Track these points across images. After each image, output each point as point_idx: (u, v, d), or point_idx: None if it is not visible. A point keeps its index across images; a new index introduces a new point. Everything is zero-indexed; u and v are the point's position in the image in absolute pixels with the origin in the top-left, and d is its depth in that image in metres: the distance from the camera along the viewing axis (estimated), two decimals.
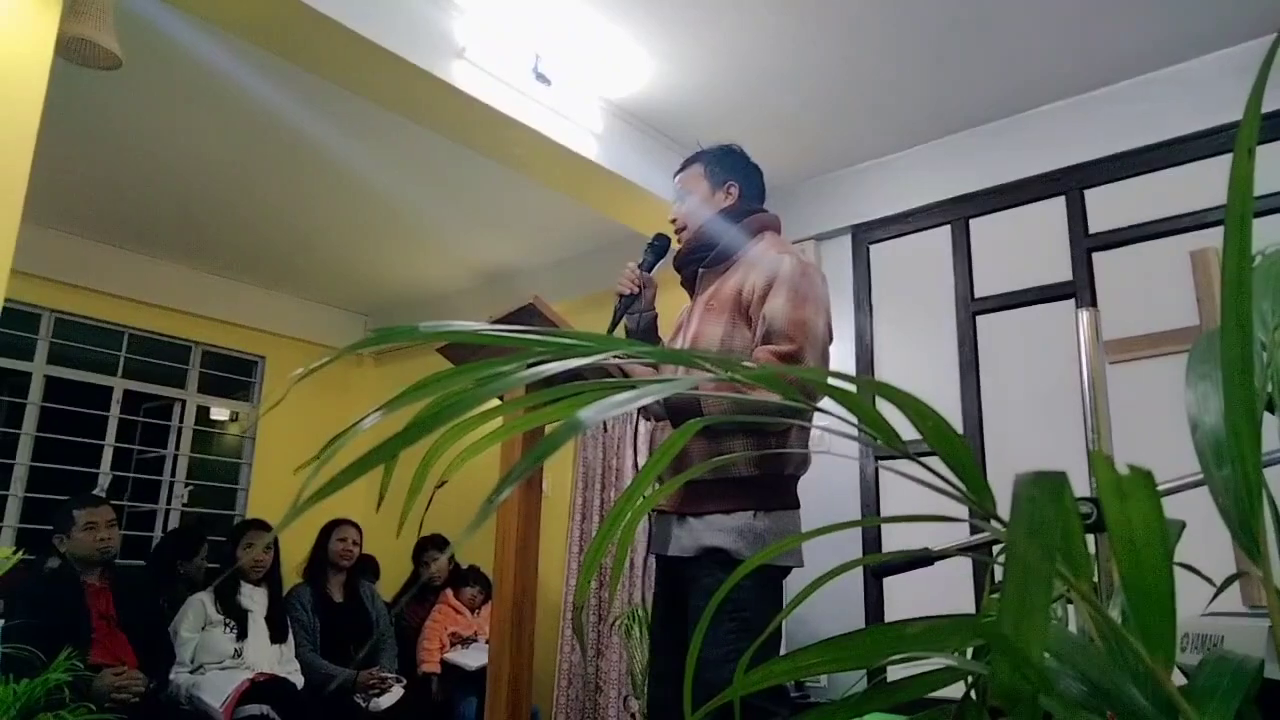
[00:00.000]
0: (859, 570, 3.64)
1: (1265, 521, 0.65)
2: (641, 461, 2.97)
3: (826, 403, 0.63)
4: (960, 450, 0.49)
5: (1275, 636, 0.60)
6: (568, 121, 3.44)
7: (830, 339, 2.08)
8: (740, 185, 2.25)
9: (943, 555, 1.49)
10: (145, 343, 5.37)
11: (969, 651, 0.86)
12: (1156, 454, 1.02)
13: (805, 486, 2.18)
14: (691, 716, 0.72)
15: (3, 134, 2.21)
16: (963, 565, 3.36)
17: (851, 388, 0.53)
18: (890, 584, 3.61)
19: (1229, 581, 0.88)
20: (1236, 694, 0.70)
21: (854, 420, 0.57)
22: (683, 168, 2.31)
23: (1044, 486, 0.44)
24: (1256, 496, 0.62)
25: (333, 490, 0.40)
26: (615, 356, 0.52)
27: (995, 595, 1.03)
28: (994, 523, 0.50)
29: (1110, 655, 0.72)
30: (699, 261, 2.21)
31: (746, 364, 0.55)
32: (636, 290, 2.22)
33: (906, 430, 0.56)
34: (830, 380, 0.52)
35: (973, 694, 0.82)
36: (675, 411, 1.99)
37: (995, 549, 1.30)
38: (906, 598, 3.52)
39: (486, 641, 4.40)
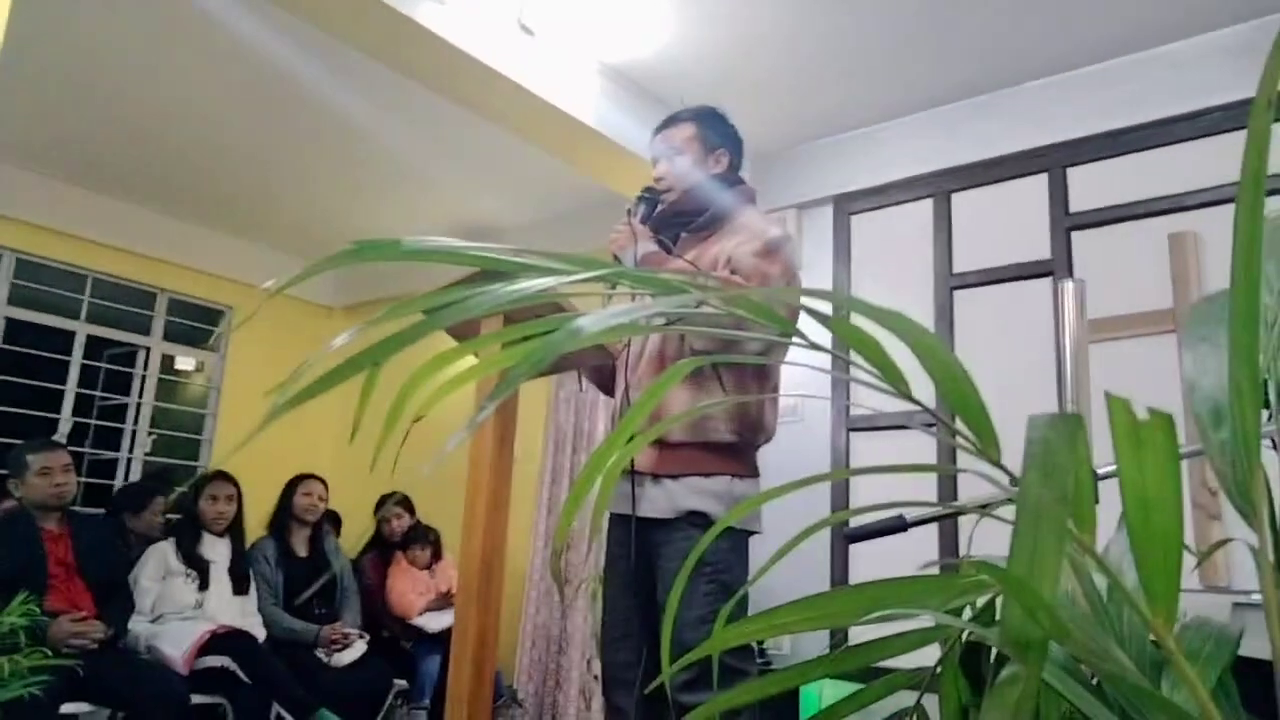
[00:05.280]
0: (825, 537, 3.66)
1: (1262, 486, 0.63)
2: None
3: (812, 346, 0.61)
4: (969, 392, 0.47)
5: (1266, 602, 0.58)
6: (550, 76, 3.37)
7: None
8: (730, 155, 2.23)
9: (918, 522, 1.48)
10: (110, 287, 5.25)
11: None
12: None
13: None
14: (668, 669, 0.70)
15: None
16: (929, 538, 3.38)
17: (837, 316, 0.50)
18: (855, 554, 3.64)
19: (1212, 549, 0.88)
20: (1220, 659, 0.70)
21: (832, 357, 0.55)
22: (669, 124, 2.25)
23: (1059, 429, 0.41)
24: (1255, 457, 0.61)
25: (305, 398, 0.37)
26: (610, 285, 0.49)
27: (974, 559, 1.01)
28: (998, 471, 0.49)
29: (1096, 617, 0.71)
30: (684, 225, 2.18)
31: (741, 292, 0.52)
32: (632, 246, 2.15)
33: (889, 403, 0.54)
34: (820, 305, 0.49)
35: (949, 656, 0.81)
36: None
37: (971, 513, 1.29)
38: (872, 567, 3.54)
39: (441, 594, 4.39)
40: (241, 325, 5.49)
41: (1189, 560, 1.04)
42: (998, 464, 0.48)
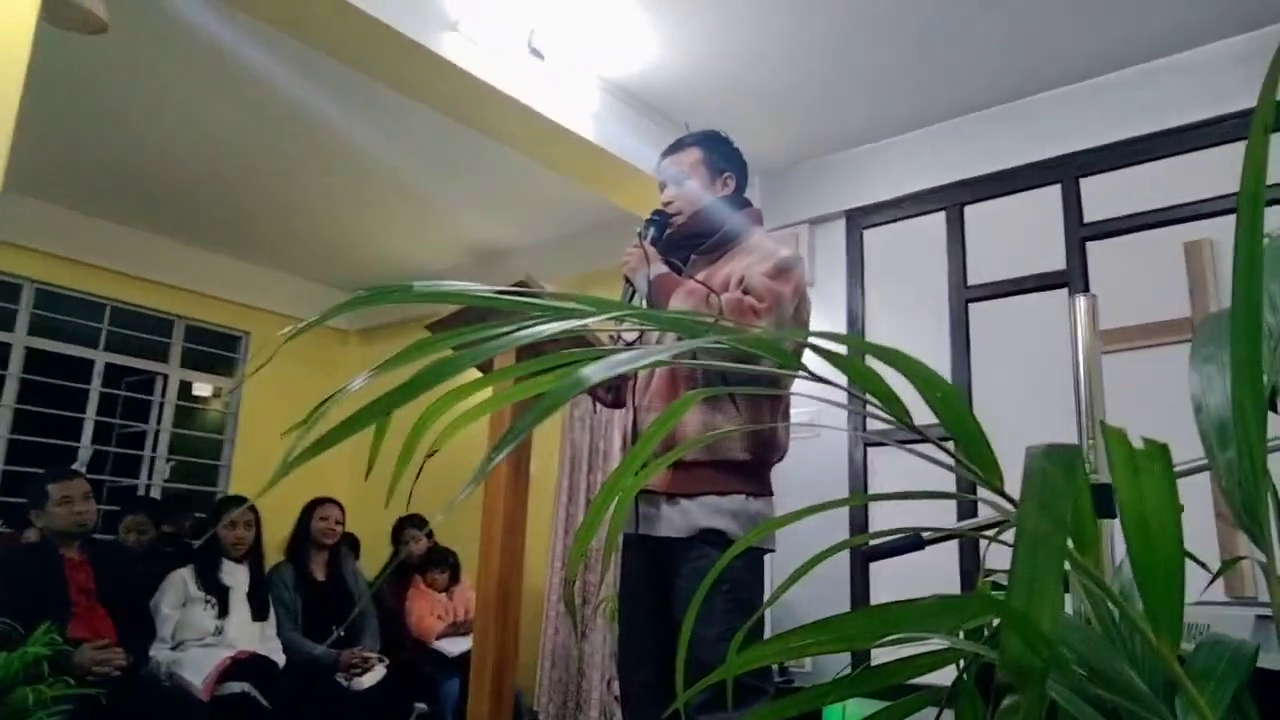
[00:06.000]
0: (844, 556, 3.64)
1: (1268, 505, 0.63)
2: (629, 445, 2.95)
3: (825, 374, 0.62)
4: (968, 422, 0.48)
5: (1276, 621, 0.59)
6: (561, 98, 3.40)
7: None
8: (736, 177, 2.26)
9: (934, 540, 1.48)
10: (128, 316, 5.31)
11: (959, 636, 0.85)
12: None
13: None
14: (685, 690, 0.71)
15: None
16: (950, 553, 3.36)
17: (843, 351, 0.51)
18: (876, 570, 3.62)
19: (1227, 565, 0.88)
20: (1234, 677, 0.69)
21: (846, 393, 0.56)
22: (675, 149, 2.28)
23: (1057, 459, 0.42)
24: (1261, 476, 0.61)
25: (321, 449, 0.38)
26: (617, 322, 0.50)
27: (989, 578, 1.02)
28: (1000, 498, 0.49)
29: (1107, 638, 0.71)
30: (694, 247, 2.20)
31: (753, 330, 0.53)
32: (644, 268, 2.16)
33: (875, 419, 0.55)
34: (828, 345, 0.50)
35: (964, 678, 0.81)
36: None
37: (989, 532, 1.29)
38: (893, 585, 3.52)
39: (458, 622, 4.40)
40: (258, 370, 5.53)
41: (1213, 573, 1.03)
42: (1000, 491, 0.49)
